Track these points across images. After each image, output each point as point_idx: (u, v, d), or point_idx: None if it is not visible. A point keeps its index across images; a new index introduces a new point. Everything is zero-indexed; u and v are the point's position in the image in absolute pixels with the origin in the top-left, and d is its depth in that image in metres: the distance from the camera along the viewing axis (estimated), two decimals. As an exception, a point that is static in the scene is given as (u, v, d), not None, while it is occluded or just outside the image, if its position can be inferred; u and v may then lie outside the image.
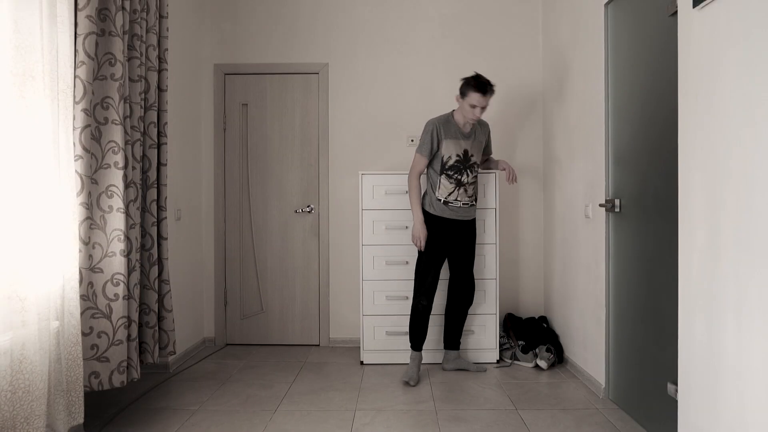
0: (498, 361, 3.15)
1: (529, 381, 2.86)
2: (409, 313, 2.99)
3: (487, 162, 3.15)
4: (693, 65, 1.79)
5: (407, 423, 2.32)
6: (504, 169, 2.96)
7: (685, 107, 1.83)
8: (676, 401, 1.94)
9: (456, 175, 2.82)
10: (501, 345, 3.24)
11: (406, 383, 2.80)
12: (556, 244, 3.31)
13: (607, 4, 2.54)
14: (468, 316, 3.13)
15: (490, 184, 3.13)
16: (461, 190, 2.83)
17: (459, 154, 2.82)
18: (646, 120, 2.21)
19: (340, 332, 3.59)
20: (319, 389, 2.75)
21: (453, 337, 3.03)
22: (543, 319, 3.40)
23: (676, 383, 1.97)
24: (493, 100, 3.58)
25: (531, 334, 3.19)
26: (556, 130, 3.29)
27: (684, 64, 1.84)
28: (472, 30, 3.60)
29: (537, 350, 3.08)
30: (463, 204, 2.85)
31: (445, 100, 3.58)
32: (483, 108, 2.73)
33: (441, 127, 2.83)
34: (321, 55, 3.62)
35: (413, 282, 3.13)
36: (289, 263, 3.62)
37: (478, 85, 2.68)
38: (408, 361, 3.08)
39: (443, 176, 2.82)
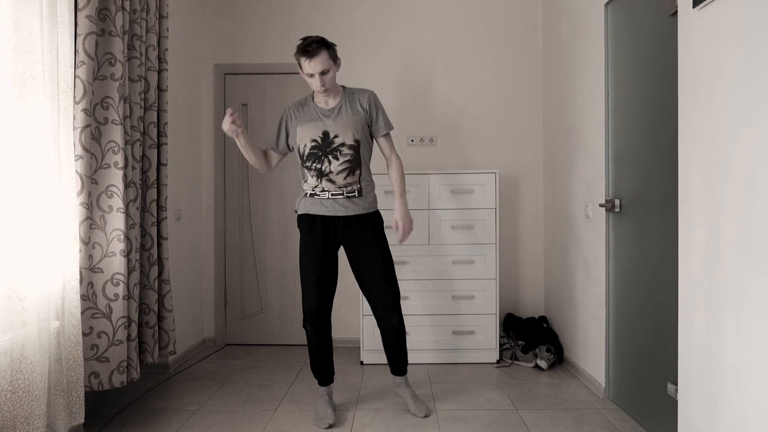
0: (498, 361, 3.15)
1: (529, 381, 2.86)
2: (402, 315, 2.45)
3: (385, 155, 2.44)
4: (693, 65, 1.79)
5: (407, 423, 2.32)
6: (396, 225, 2.38)
7: (685, 107, 1.83)
8: (676, 401, 1.94)
9: (315, 165, 2.29)
10: (501, 345, 3.24)
11: (330, 426, 2.26)
12: (556, 244, 3.31)
13: (607, 4, 2.54)
14: (468, 316, 3.13)
15: (490, 184, 3.12)
16: (325, 180, 2.29)
17: (316, 138, 2.29)
18: (646, 120, 2.21)
19: (340, 332, 3.59)
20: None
21: (392, 362, 2.47)
22: (543, 319, 3.40)
23: (676, 383, 1.97)
24: (494, 100, 3.60)
25: (531, 334, 3.19)
26: (556, 130, 3.29)
27: (684, 64, 1.84)
28: (472, 30, 3.60)
29: (537, 350, 3.08)
30: (332, 195, 2.29)
31: (445, 99, 3.58)
32: (323, 74, 2.22)
33: (293, 112, 2.38)
34: (321, 55, 3.61)
35: (408, 283, 3.11)
36: (289, 263, 3.62)
37: (302, 47, 2.21)
38: None
39: (304, 170, 2.34)
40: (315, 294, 2.32)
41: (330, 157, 2.28)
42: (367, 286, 2.37)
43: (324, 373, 2.43)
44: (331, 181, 2.29)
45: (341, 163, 2.28)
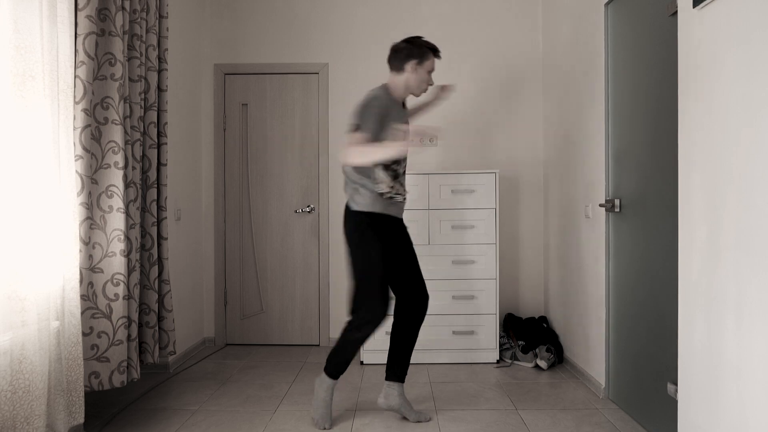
0: (498, 361, 3.15)
1: (529, 381, 2.86)
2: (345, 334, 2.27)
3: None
4: (693, 65, 1.79)
5: (407, 423, 2.32)
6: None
7: (685, 107, 1.83)
8: (676, 401, 1.95)
9: (394, 166, 2.28)
10: (501, 345, 3.24)
11: (325, 429, 2.26)
12: (556, 244, 3.31)
13: (607, 4, 2.54)
14: (468, 316, 3.13)
15: (490, 184, 3.12)
16: (398, 182, 2.30)
17: None
18: (646, 120, 2.21)
19: (340, 332, 3.59)
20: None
21: (399, 366, 2.36)
22: (543, 319, 3.40)
23: (676, 383, 1.97)
24: (494, 100, 3.60)
25: (531, 334, 3.19)
26: (556, 130, 3.29)
27: (684, 64, 1.84)
28: (472, 30, 3.60)
29: (537, 350, 3.08)
30: (404, 198, 2.35)
31: (445, 99, 3.58)
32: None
33: (391, 105, 2.26)
34: (321, 55, 3.62)
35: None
36: (289, 263, 3.62)
37: (433, 47, 2.37)
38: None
39: (379, 168, 2.25)
40: (388, 292, 2.26)
41: (402, 160, 2.34)
42: (407, 279, 2.38)
43: (346, 365, 2.30)
44: (401, 183, 2.33)
45: (404, 164, 2.36)
